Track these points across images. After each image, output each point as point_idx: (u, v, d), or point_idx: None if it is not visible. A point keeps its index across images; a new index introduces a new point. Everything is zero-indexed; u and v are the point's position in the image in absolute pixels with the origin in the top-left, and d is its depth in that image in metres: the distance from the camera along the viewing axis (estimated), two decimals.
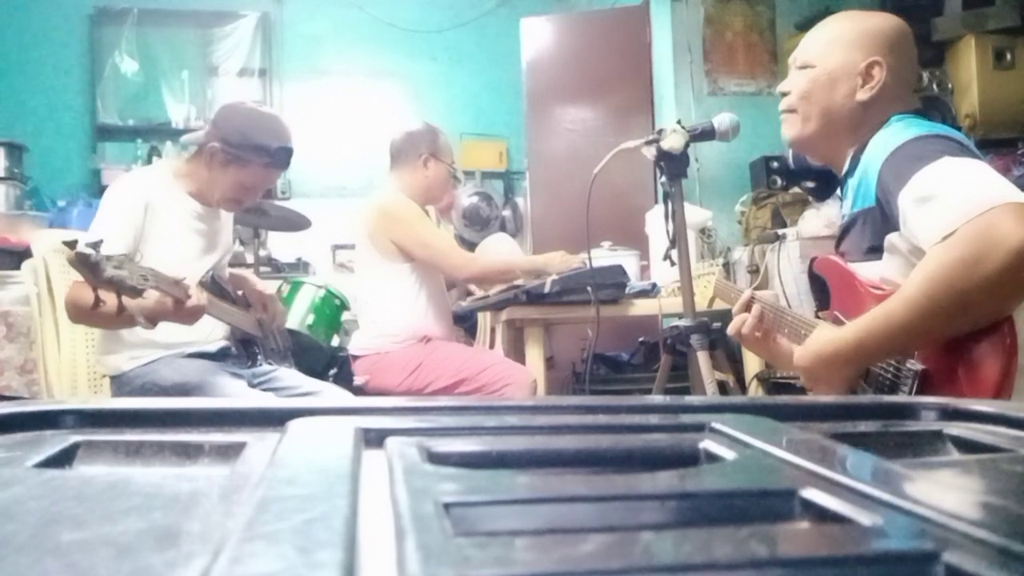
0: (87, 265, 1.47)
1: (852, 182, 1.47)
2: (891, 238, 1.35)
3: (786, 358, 1.54)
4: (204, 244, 2.15)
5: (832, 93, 1.46)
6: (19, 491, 0.35)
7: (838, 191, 1.60)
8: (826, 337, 1.37)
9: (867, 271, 1.42)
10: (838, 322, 1.44)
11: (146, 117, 5.15)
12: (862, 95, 1.44)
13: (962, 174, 1.23)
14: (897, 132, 1.37)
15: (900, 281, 1.31)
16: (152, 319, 1.79)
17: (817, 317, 1.52)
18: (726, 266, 3.76)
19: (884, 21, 1.49)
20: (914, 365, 1.29)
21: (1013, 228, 1.13)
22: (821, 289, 1.54)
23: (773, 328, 1.56)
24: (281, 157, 2.10)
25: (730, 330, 1.62)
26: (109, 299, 1.59)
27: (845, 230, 1.49)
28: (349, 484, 0.35)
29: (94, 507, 0.33)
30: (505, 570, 0.26)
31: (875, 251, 1.39)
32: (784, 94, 1.54)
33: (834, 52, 1.46)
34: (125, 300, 1.60)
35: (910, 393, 1.29)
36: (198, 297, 1.80)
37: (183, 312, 1.79)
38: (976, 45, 3.43)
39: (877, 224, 1.37)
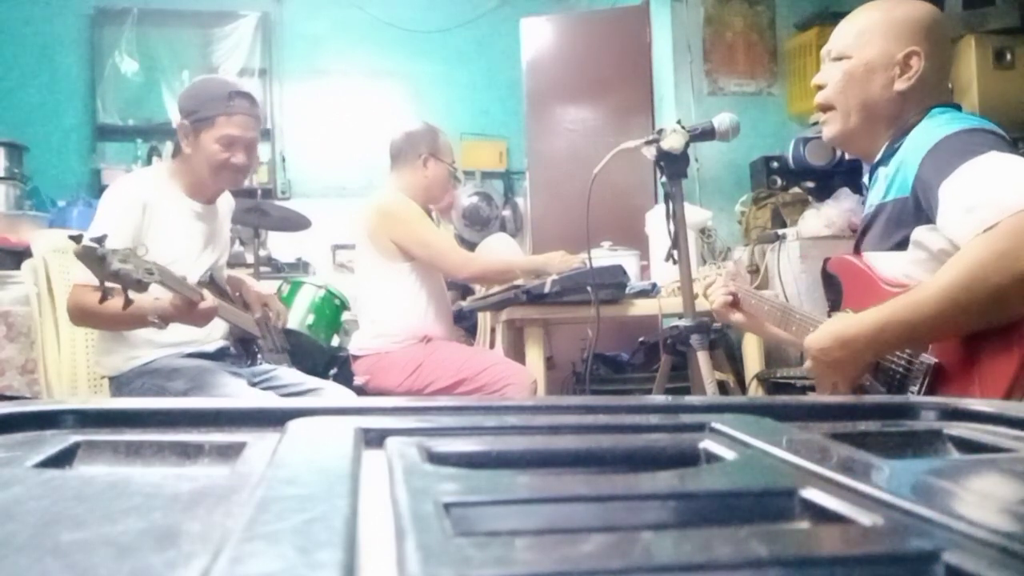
0: (93, 258, 1.48)
1: (885, 171, 1.44)
2: (919, 232, 1.33)
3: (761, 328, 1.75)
4: (202, 243, 2.15)
5: (869, 85, 1.43)
6: (19, 491, 0.35)
7: (864, 179, 1.56)
8: (845, 320, 1.35)
9: (888, 266, 1.39)
10: None
11: (146, 117, 5.15)
12: (900, 85, 1.42)
13: (1008, 170, 1.22)
14: (941, 124, 1.35)
15: (924, 279, 1.29)
16: (166, 319, 1.79)
17: (830, 317, 1.51)
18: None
19: (919, 9, 1.46)
20: (927, 359, 1.28)
21: None
22: (834, 289, 1.53)
23: (762, 315, 1.66)
24: (239, 100, 2.11)
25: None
26: (113, 304, 1.60)
27: (871, 219, 1.47)
28: (349, 484, 0.35)
29: (94, 507, 0.33)
30: (505, 570, 0.26)
31: (902, 244, 1.37)
32: (820, 87, 1.50)
33: (870, 42, 1.43)
34: (140, 299, 1.61)
35: (921, 387, 1.28)
36: (212, 298, 1.81)
37: (197, 314, 1.79)
38: (976, 45, 3.43)
39: (908, 215, 1.35)
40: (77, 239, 1.49)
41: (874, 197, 1.48)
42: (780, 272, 3.22)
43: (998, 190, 1.19)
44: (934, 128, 1.35)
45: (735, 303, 1.76)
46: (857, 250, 1.51)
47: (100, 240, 1.50)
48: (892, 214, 1.39)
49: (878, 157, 1.48)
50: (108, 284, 1.55)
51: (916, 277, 1.33)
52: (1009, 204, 1.16)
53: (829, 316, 1.52)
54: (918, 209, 1.33)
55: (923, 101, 1.43)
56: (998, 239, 1.15)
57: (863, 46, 1.44)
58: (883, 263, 1.41)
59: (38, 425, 0.50)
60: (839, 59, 1.47)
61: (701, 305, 1.85)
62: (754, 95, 4.07)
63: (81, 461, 0.45)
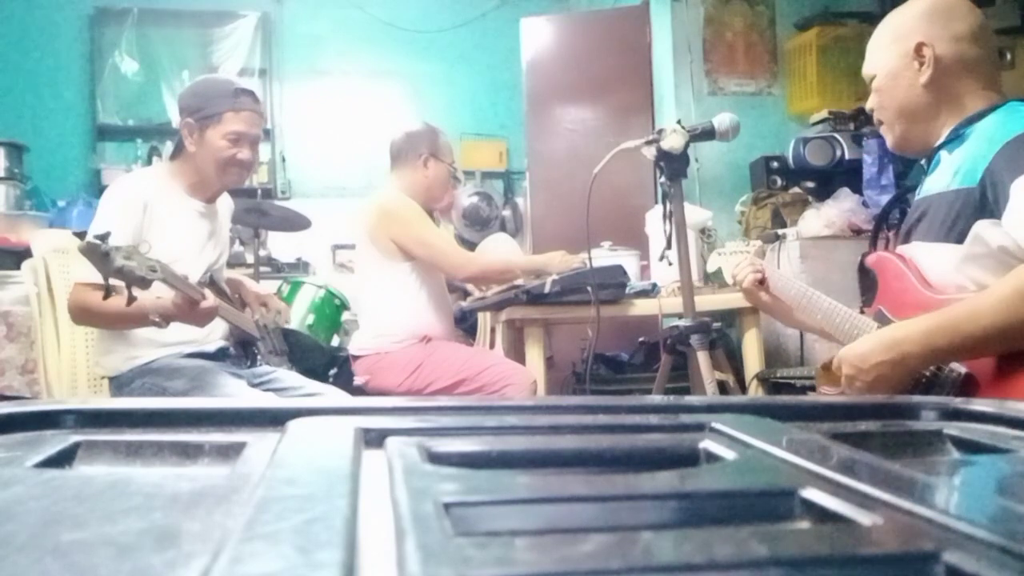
0: (98, 255, 1.49)
1: (950, 158, 1.41)
2: (981, 226, 1.28)
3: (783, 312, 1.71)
4: (203, 242, 2.15)
5: (897, 91, 1.48)
6: (19, 491, 0.35)
7: (923, 161, 1.54)
8: (887, 327, 1.31)
9: (938, 264, 1.36)
10: (881, 317, 1.40)
11: (146, 117, 5.15)
12: (923, 78, 1.44)
13: None
14: (1021, 117, 1.32)
15: (977, 274, 1.26)
16: (168, 318, 1.80)
17: (861, 313, 1.49)
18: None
19: (915, 4, 1.49)
20: (958, 368, 1.25)
21: None
22: (869, 285, 1.52)
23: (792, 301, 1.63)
24: (245, 97, 2.12)
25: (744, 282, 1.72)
26: (115, 302, 1.60)
27: (928, 206, 1.43)
28: (349, 484, 0.35)
29: (94, 507, 0.33)
30: (505, 570, 0.26)
31: (963, 235, 1.32)
32: (872, 111, 1.58)
33: (884, 55, 1.50)
34: (142, 298, 1.61)
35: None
36: (213, 298, 1.81)
37: (198, 313, 1.80)
38: None
39: (972, 208, 1.31)
40: (81, 235, 1.49)
41: (934, 183, 1.44)
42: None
43: None
44: (1012, 120, 1.32)
45: (763, 283, 1.71)
46: (908, 237, 1.48)
47: (104, 237, 1.50)
48: (955, 204, 1.35)
49: (941, 140, 1.46)
50: (112, 281, 1.55)
51: (968, 273, 1.29)
52: None
53: (862, 312, 1.50)
54: (983, 201, 1.29)
55: (964, 83, 1.43)
56: None
57: (881, 61, 1.51)
58: (933, 260, 1.37)
59: (38, 425, 0.50)
60: (871, 81, 1.54)
61: (701, 305, 1.85)
62: (754, 95, 4.07)
63: (81, 461, 0.45)
